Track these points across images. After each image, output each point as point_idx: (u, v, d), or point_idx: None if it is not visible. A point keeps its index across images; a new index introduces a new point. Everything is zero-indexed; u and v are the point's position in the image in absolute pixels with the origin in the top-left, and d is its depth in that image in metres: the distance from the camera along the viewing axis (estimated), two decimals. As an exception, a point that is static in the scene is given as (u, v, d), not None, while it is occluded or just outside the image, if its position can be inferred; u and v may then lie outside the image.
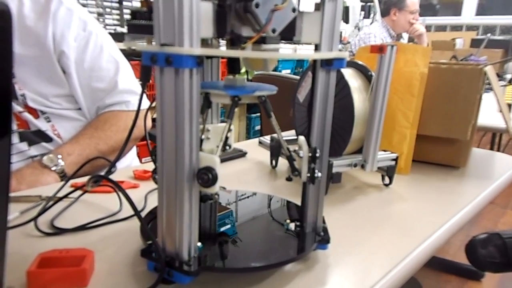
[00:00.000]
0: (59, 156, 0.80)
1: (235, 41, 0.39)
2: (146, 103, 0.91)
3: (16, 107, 0.83)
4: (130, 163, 1.01)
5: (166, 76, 0.35)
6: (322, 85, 0.43)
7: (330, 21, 0.41)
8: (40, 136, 0.87)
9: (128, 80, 0.92)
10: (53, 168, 0.79)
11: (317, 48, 0.42)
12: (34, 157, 0.85)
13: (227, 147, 0.50)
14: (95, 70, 0.88)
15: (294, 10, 0.39)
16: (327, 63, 0.42)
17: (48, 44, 0.82)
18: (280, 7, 0.37)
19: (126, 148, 0.89)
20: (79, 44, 0.86)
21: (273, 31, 0.38)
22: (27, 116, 0.85)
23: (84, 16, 0.88)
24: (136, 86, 0.93)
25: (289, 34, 0.40)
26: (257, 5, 0.36)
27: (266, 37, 0.39)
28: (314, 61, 0.43)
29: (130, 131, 0.42)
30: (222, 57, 0.49)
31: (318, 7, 0.40)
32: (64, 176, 0.80)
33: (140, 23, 0.39)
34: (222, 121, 0.49)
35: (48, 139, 0.87)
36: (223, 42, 0.43)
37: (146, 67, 0.37)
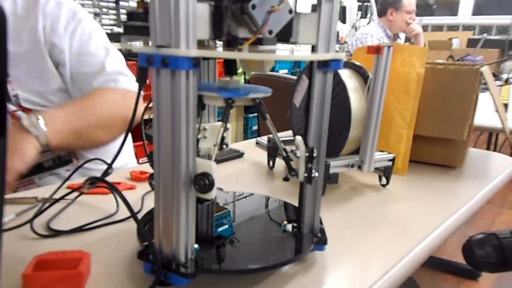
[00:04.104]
0: (40, 118, 0.70)
1: (232, 43, 0.38)
2: (136, 85, 0.88)
3: (10, 107, 0.83)
4: (126, 162, 1.00)
5: (162, 78, 0.35)
6: (319, 86, 0.43)
7: (327, 22, 0.41)
8: None
9: (116, 62, 0.88)
10: (35, 133, 0.69)
11: (313, 49, 0.42)
12: None
13: (224, 146, 0.50)
14: (83, 55, 0.86)
15: (290, 11, 0.39)
16: (324, 65, 0.42)
17: (38, 37, 0.81)
18: (277, 9, 0.37)
19: (116, 127, 0.82)
20: (68, 31, 0.84)
21: (270, 32, 0.38)
22: (21, 115, 0.84)
23: (73, 6, 0.87)
24: (125, 68, 0.89)
25: (285, 35, 0.40)
26: (253, 7, 0.36)
27: (263, 38, 0.39)
28: (311, 62, 0.43)
29: (130, 123, 0.41)
30: (219, 58, 0.48)
31: (315, 8, 0.40)
32: (47, 151, 0.72)
33: (136, 24, 0.39)
34: (219, 120, 0.49)
35: None
36: (219, 43, 0.43)
37: (142, 69, 0.37)
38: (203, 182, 0.37)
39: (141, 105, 0.84)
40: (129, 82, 0.87)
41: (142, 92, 0.40)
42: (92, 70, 0.86)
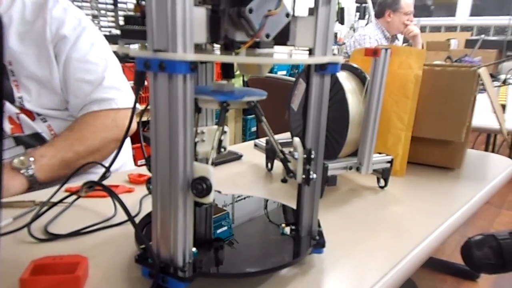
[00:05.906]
0: (31, 159, 0.77)
1: (229, 46, 0.38)
2: (130, 102, 0.90)
3: (13, 109, 0.83)
4: (124, 163, 1.00)
5: (159, 82, 0.35)
6: (316, 89, 0.43)
7: (324, 26, 0.41)
8: (36, 139, 0.86)
9: (115, 77, 0.90)
10: (23, 172, 0.76)
11: (311, 52, 0.42)
12: None
13: (222, 150, 0.50)
14: (83, 62, 0.87)
15: (287, 15, 0.39)
16: (321, 68, 0.42)
17: (46, 39, 0.83)
18: (274, 13, 0.37)
19: (107, 150, 0.87)
20: (72, 37, 0.86)
21: (267, 36, 0.38)
22: (24, 118, 0.84)
23: (78, 15, 0.90)
24: (123, 83, 0.92)
25: (283, 38, 0.40)
26: (250, 11, 0.36)
27: (260, 42, 0.39)
28: (308, 65, 0.43)
29: (125, 134, 0.41)
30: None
31: (312, 11, 0.40)
32: (33, 181, 0.77)
33: (134, 28, 0.39)
34: (217, 123, 0.49)
35: (44, 142, 0.86)
36: (217, 46, 0.43)
37: (140, 72, 0.37)
38: (201, 186, 0.36)
39: (134, 122, 0.86)
40: (124, 98, 0.89)
41: (138, 106, 0.40)
42: (90, 79, 0.88)
